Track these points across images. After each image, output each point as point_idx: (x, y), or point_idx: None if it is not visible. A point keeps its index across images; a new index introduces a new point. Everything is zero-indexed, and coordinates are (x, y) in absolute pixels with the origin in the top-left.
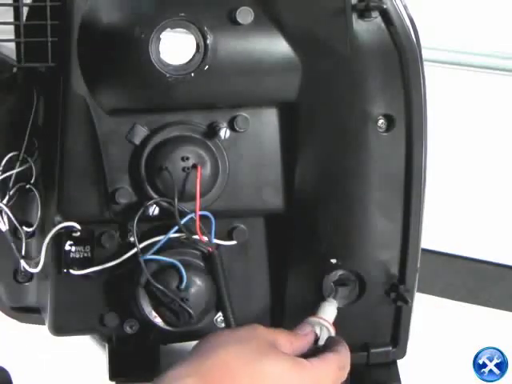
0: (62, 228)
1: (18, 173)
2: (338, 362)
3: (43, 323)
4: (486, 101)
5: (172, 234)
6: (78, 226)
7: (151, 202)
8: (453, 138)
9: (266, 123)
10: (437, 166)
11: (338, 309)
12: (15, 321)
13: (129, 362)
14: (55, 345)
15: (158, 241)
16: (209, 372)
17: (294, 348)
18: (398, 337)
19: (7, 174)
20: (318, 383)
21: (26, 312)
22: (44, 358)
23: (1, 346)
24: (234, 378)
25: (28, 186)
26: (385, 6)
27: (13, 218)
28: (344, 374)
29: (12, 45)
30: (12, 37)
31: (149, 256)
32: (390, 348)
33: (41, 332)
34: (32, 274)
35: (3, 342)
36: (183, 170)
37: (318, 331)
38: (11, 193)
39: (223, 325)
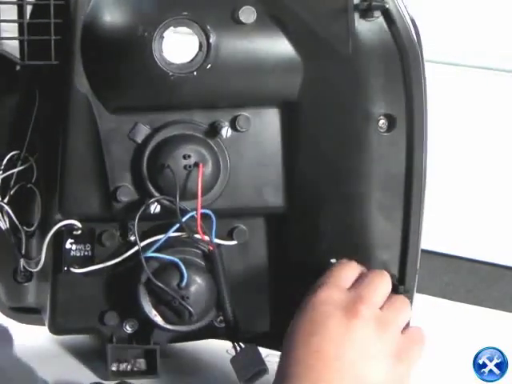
0: (63, 226)
1: (19, 172)
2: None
3: (42, 324)
4: (486, 101)
5: (173, 233)
6: (78, 224)
7: (153, 199)
8: (451, 137)
9: (268, 123)
10: (436, 166)
11: None
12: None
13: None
14: (54, 344)
15: (159, 239)
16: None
17: None
18: None
19: (8, 172)
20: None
21: (25, 312)
22: (43, 357)
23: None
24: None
25: (29, 186)
26: (387, 6)
27: (13, 217)
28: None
29: (14, 43)
30: (15, 35)
31: (150, 253)
32: None
33: (40, 332)
34: (31, 274)
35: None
36: (185, 167)
37: None
38: (12, 192)
39: (223, 325)
